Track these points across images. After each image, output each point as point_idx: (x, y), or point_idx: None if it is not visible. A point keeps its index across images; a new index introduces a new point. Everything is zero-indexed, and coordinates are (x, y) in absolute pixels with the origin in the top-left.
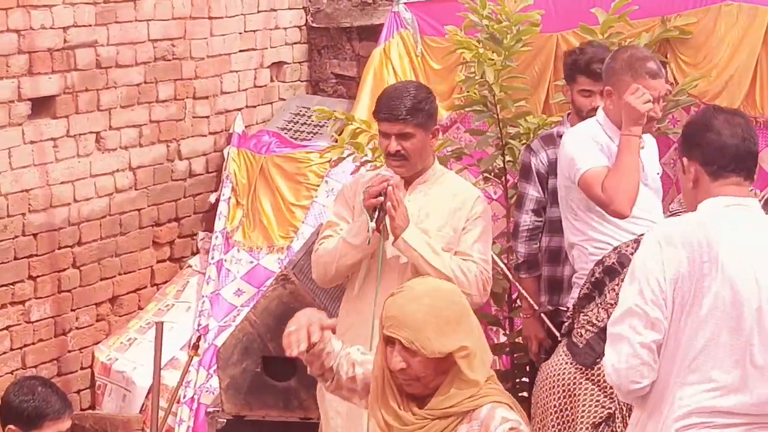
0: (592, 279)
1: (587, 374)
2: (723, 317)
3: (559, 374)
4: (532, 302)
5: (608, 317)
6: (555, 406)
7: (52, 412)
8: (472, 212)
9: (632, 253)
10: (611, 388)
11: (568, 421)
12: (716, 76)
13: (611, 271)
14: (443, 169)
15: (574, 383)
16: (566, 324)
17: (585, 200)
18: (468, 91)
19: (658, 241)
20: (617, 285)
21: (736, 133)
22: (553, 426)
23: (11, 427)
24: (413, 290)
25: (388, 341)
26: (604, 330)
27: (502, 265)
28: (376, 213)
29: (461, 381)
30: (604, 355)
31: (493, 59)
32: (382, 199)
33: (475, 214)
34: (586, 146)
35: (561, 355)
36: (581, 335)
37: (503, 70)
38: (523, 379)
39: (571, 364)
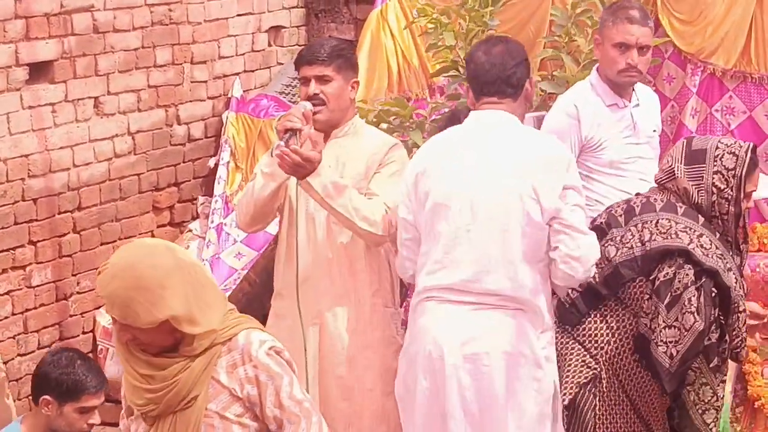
0: None
1: (573, 334)
2: (439, 210)
3: None
4: None
5: (592, 276)
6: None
7: (91, 386)
8: (386, 157)
9: (620, 215)
10: (596, 348)
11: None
12: (711, 33)
13: (599, 230)
14: (363, 123)
15: (561, 343)
16: None
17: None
18: (435, 59)
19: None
20: (603, 245)
21: (488, 62)
22: None
23: (47, 397)
24: (115, 266)
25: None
26: (588, 289)
27: None
28: (287, 135)
29: (194, 335)
30: (587, 314)
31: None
32: (296, 123)
33: (389, 158)
34: (558, 122)
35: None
36: (568, 294)
37: (470, 33)
38: None
39: (558, 325)
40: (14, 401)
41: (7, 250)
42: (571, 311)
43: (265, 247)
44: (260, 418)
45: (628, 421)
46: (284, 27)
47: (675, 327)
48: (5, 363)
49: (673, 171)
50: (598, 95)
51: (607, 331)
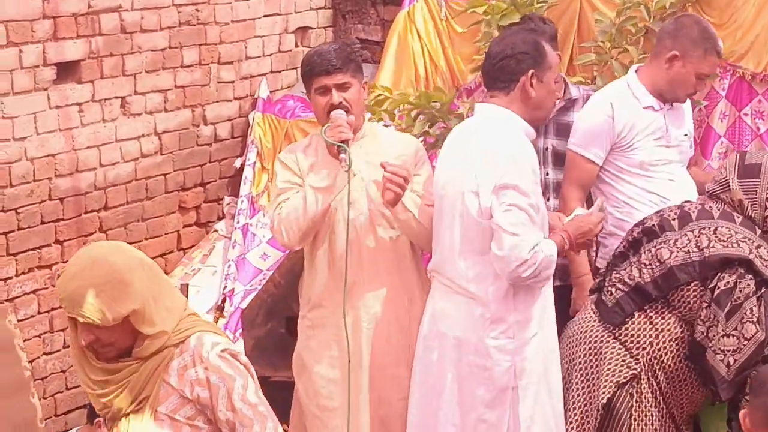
0: (630, 239)
1: (614, 333)
2: (436, 203)
3: (585, 332)
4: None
5: (640, 276)
6: (580, 363)
7: None
8: (417, 157)
9: (674, 219)
10: (637, 349)
11: (592, 378)
12: (741, 37)
13: (650, 232)
14: (373, 123)
15: (601, 341)
16: (596, 281)
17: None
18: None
19: None
20: (654, 247)
21: (489, 53)
22: (577, 383)
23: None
24: (74, 266)
25: (70, 319)
26: (635, 289)
27: None
28: (343, 146)
29: (149, 335)
30: (632, 315)
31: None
32: (349, 133)
33: (421, 158)
34: (592, 119)
35: (589, 312)
36: (611, 293)
37: None
38: None
39: (598, 322)
40: (39, 400)
41: (34, 249)
42: (615, 310)
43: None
44: (213, 422)
45: (663, 424)
46: (311, 28)
47: (734, 336)
48: (31, 362)
49: (728, 183)
50: (635, 97)
51: (652, 332)
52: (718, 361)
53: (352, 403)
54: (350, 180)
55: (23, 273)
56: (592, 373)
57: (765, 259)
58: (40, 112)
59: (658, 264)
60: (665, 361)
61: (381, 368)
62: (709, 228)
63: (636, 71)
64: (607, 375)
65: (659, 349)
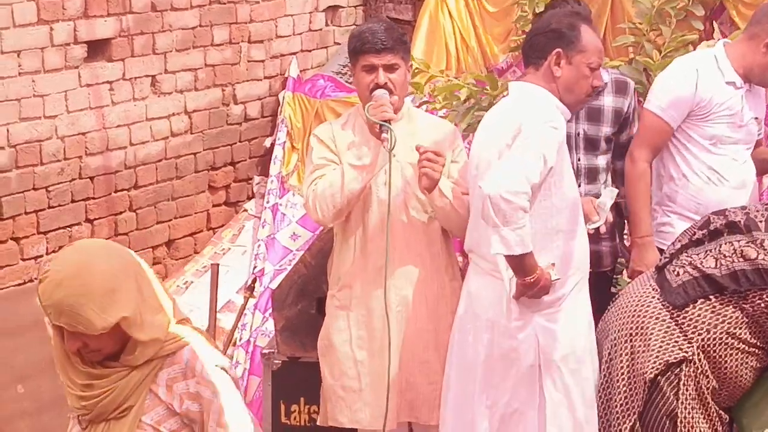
0: (711, 228)
1: (673, 314)
2: (471, 183)
3: (642, 306)
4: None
5: (716, 266)
6: (631, 335)
7: None
8: (455, 144)
9: (761, 221)
10: (693, 332)
11: (638, 351)
12: None
13: (734, 226)
14: (410, 105)
15: (657, 318)
16: (664, 254)
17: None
18: (523, 31)
19: None
20: (737, 241)
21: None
22: (620, 354)
23: None
24: (58, 273)
25: (56, 326)
26: (706, 277)
27: None
28: (386, 126)
29: (140, 342)
30: (695, 300)
31: None
32: (391, 113)
33: (458, 146)
34: (677, 83)
35: (648, 288)
36: (678, 274)
37: None
38: None
39: (658, 299)
40: None
41: (64, 228)
42: (679, 292)
43: (321, 229)
44: None
45: (708, 410)
46: (342, 6)
47: None
48: None
49: None
50: (720, 69)
51: (712, 320)
52: None
53: (383, 386)
54: (391, 160)
55: (54, 251)
56: (640, 346)
57: None
58: (71, 90)
59: (742, 260)
60: (716, 351)
61: (410, 351)
62: None
63: (724, 45)
64: (659, 351)
65: (713, 338)
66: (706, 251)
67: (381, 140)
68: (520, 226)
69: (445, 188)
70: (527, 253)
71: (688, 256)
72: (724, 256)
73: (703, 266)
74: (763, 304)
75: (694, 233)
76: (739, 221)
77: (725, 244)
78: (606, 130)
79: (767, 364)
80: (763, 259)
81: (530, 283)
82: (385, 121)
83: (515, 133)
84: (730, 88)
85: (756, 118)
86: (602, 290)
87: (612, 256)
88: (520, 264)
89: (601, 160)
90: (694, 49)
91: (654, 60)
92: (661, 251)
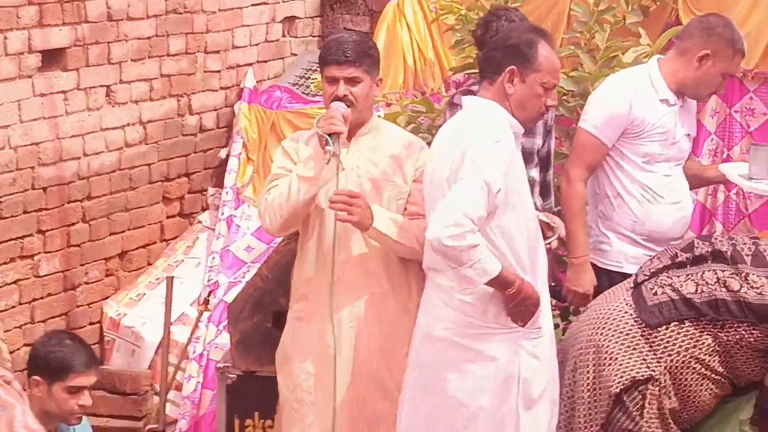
0: (695, 253)
1: (644, 332)
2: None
3: (615, 319)
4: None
5: (696, 292)
6: (597, 348)
7: (78, 365)
8: (419, 162)
9: (747, 254)
10: (663, 352)
11: (601, 366)
12: None
13: (720, 256)
14: (379, 119)
15: (628, 333)
16: (641, 272)
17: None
18: (465, 51)
19: None
20: (722, 271)
21: None
22: (587, 367)
23: (36, 377)
24: None
25: None
26: (684, 300)
27: None
28: (332, 138)
29: None
30: (669, 322)
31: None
32: (340, 126)
33: (422, 164)
34: (612, 101)
35: (622, 302)
36: (656, 294)
37: None
38: None
39: (631, 315)
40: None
41: (16, 239)
42: (654, 312)
43: (277, 242)
44: None
45: (668, 430)
46: (299, 18)
47: None
48: (11, 353)
49: None
50: (653, 87)
51: (685, 343)
52: None
53: (331, 400)
54: (338, 173)
55: (4, 263)
56: (609, 358)
57: None
58: (25, 100)
59: (724, 290)
60: (682, 374)
61: (362, 368)
62: None
63: (658, 62)
64: (626, 366)
65: (682, 362)
66: (687, 275)
67: (324, 152)
68: (474, 261)
69: (384, 226)
70: (497, 274)
71: (668, 277)
72: (707, 283)
73: (683, 290)
74: (738, 336)
75: (676, 254)
76: (726, 251)
77: (708, 271)
78: (538, 142)
79: (729, 393)
80: (746, 293)
81: (513, 293)
82: (331, 134)
83: (462, 156)
84: (664, 106)
85: (688, 135)
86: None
87: (550, 269)
88: (495, 283)
89: (534, 173)
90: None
91: (589, 72)
92: (597, 269)
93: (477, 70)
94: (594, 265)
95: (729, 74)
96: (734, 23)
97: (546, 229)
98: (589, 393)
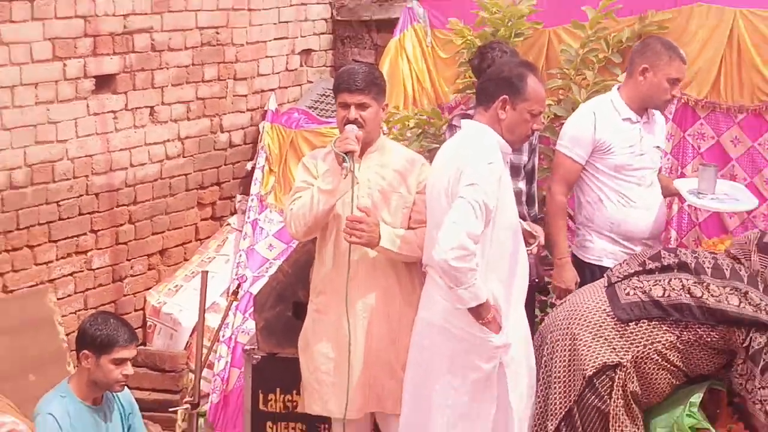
0: (663, 263)
1: (616, 325)
2: (428, 204)
3: (591, 312)
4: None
5: (663, 296)
6: (574, 337)
7: (121, 339)
8: (421, 176)
9: (708, 267)
10: (631, 343)
11: (577, 352)
12: (687, 68)
13: (685, 267)
14: (385, 138)
15: (601, 325)
16: (613, 274)
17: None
18: (467, 75)
19: None
20: (687, 279)
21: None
22: (563, 352)
23: (86, 351)
24: None
25: None
26: (652, 302)
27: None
28: (347, 156)
29: None
30: (638, 320)
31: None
32: (354, 145)
33: (423, 174)
34: (578, 127)
35: (598, 298)
36: (628, 294)
37: None
38: None
39: (605, 310)
40: (74, 368)
41: (72, 237)
42: (625, 308)
43: (297, 243)
44: None
45: (631, 410)
46: (314, 50)
47: None
48: (67, 335)
49: (749, 253)
50: (616, 110)
51: (650, 339)
52: (758, 410)
53: (346, 380)
54: (353, 186)
55: (62, 258)
56: (584, 345)
57: None
58: (80, 118)
59: (688, 296)
60: (645, 364)
61: (374, 352)
62: (740, 290)
63: (618, 89)
64: (598, 353)
65: (646, 354)
66: (656, 281)
67: (341, 169)
68: (471, 284)
69: (389, 242)
70: (483, 301)
71: (639, 281)
72: (673, 289)
73: (652, 293)
74: (697, 336)
75: (645, 263)
76: (690, 263)
77: (675, 279)
78: (525, 158)
79: (682, 382)
80: (707, 299)
81: (487, 321)
82: (347, 152)
83: (459, 171)
84: (627, 124)
85: (657, 147)
86: (529, 297)
87: (535, 269)
88: (477, 311)
89: (521, 185)
90: None
91: (580, 99)
92: (581, 262)
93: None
94: (578, 259)
95: (674, 78)
96: (667, 39)
97: (528, 236)
98: (564, 373)
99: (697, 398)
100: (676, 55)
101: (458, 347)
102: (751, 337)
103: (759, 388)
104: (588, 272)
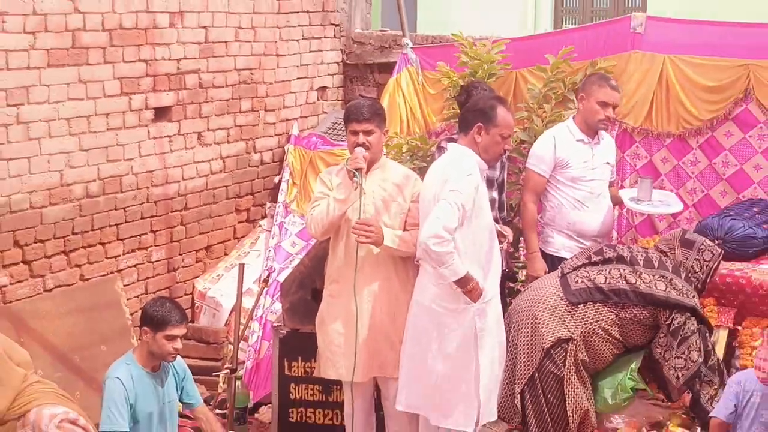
0: (605, 256)
1: (568, 308)
2: (421, 209)
3: (548, 297)
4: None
5: (605, 282)
6: (534, 316)
7: (174, 319)
8: (414, 189)
9: (641, 259)
10: (580, 321)
11: (539, 327)
12: (625, 102)
13: (622, 259)
14: (386, 158)
15: (556, 307)
16: (565, 266)
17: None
18: (452, 107)
19: None
20: (623, 269)
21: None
22: (526, 329)
23: (145, 328)
24: None
25: None
26: (596, 288)
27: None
28: (357, 172)
29: None
30: (585, 302)
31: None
32: (362, 164)
33: (417, 190)
34: (542, 148)
35: (552, 286)
36: (577, 282)
37: None
38: None
39: (559, 295)
40: (137, 341)
41: (135, 236)
42: (575, 293)
43: (315, 242)
44: None
45: (581, 375)
46: (328, 87)
47: (682, 358)
48: (131, 314)
49: (674, 247)
50: (571, 133)
51: (595, 317)
52: (671, 375)
53: (353, 351)
54: (361, 196)
55: (128, 252)
56: (542, 324)
57: (701, 307)
58: (142, 141)
59: (624, 282)
60: (592, 338)
61: (377, 328)
62: (666, 278)
63: (573, 118)
64: (554, 329)
65: (592, 329)
66: (599, 271)
67: (352, 182)
68: (449, 263)
69: (391, 241)
70: (462, 276)
71: (586, 272)
72: (612, 277)
73: (595, 281)
74: (632, 315)
75: (590, 256)
76: (626, 256)
77: (614, 269)
78: (497, 173)
79: (622, 351)
80: (639, 285)
81: (469, 290)
82: (356, 169)
83: (443, 183)
84: (580, 144)
85: (607, 163)
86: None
87: (506, 261)
88: (460, 282)
89: (494, 194)
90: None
91: (539, 127)
92: (544, 254)
93: (456, 120)
94: (543, 252)
95: (602, 102)
96: (601, 73)
97: (500, 236)
98: (527, 347)
99: (636, 365)
100: (605, 83)
101: (442, 320)
102: (672, 317)
103: (674, 358)
104: (549, 261)
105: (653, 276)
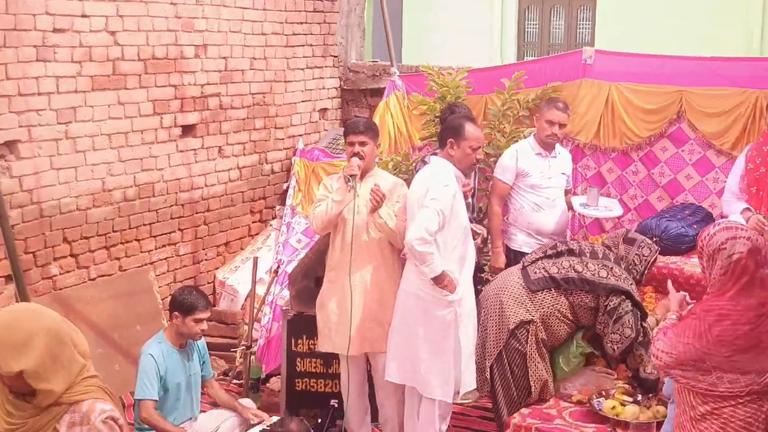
0: (558, 250)
1: (529, 294)
2: (408, 212)
3: (512, 285)
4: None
5: (557, 272)
6: (501, 302)
7: (200, 305)
8: (401, 193)
9: (588, 251)
10: (539, 306)
11: (505, 312)
12: (578, 121)
13: (571, 252)
14: (377, 168)
15: (519, 295)
16: (526, 260)
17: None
18: (428, 128)
19: None
20: (572, 260)
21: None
22: (494, 313)
23: (176, 313)
24: None
25: None
26: (550, 278)
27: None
28: (352, 178)
29: (40, 391)
30: (542, 290)
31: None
32: (356, 171)
33: (402, 193)
34: (507, 160)
35: (515, 277)
36: (536, 273)
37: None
38: None
39: (521, 284)
40: (167, 323)
41: (165, 234)
42: (534, 282)
43: (317, 238)
44: None
45: (541, 351)
46: (328, 109)
47: (618, 334)
48: (162, 300)
49: (618, 243)
50: (531, 148)
51: (551, 302)
52: (609, 348)
53: (347, 329)
54: (355, 198)
55: (159, 248)
56: (508, 308)
57: (636, 291)
58: (172, 154)
59: (573, 271)
60: (549, 319)
61: (368, 310)
62: (608, 267)
63: (533, 135)
64: (516, 313)
65: (549, 312)
66: (553, 263)
67: (347, 187)
68: (430, 262)
69: (384, 214)
70: (438, 275)
71: (542, 264)
72: (564, 267)
73: (550, 271)
74: (579, 299)
75: (546, 251)
76: (575, 249)
77: (565, 261)
78: (469, 180)
79: (575, 330)
80: (585, 273)
81: (444, 285)
82: (351, 175)
83: (426, 190)
84: (539, 157)
85: (563, 173)
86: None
87: (477, 255)
88: (436, 280)
89: (469, 199)
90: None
91: (501, 143)
92: (508, 249)
93: (434, 139)
94: (507, 247)
95: (551, 120)
96: (556, 97)
97: (474, 233)
98: (495, 328)
99: (579, 334)
100: (552, 105)
101: (426, 305)
102: (609, 299)
103: (611, 333)
104: (512, 255)
105: (597, 265)
